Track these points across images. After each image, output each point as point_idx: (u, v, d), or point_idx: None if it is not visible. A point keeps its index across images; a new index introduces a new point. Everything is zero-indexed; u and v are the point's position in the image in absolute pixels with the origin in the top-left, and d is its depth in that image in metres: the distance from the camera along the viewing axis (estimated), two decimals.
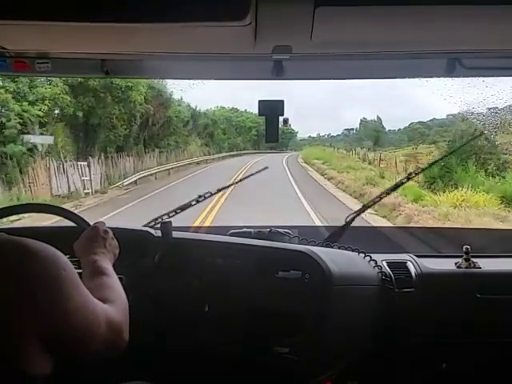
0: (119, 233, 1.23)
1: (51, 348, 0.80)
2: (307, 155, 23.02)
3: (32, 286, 0.77)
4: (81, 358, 0.88)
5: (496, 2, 0.95)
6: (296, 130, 28.09)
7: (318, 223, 7.22)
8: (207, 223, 6.87)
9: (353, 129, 27.04)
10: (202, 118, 22.90)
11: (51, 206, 1.56)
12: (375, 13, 0.98)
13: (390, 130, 25.25)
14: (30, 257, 0.79)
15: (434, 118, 22.60)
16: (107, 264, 1.06)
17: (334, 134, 28.28)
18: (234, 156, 25.18)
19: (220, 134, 25.13)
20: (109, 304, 0.91)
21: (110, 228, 1.23)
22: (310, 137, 29.33)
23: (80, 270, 1.01)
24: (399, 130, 24.84)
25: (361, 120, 25.60)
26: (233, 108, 27.98)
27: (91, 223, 1.37)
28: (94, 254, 1.07)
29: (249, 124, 27.61)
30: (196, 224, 6.12)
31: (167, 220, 1.55)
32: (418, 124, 22.87)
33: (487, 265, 1.67)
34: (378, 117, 24.99)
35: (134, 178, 13.74)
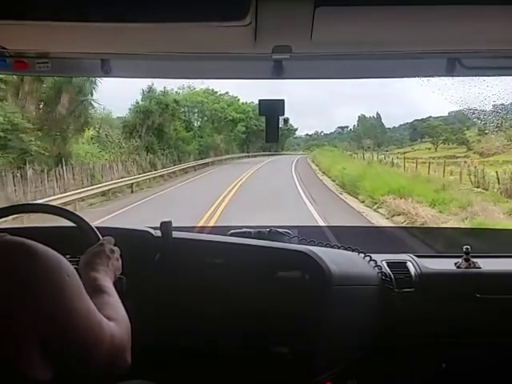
0: (119, 233, 1.23)
1: (53, 355, 0.79)
2: (345, 177, 11.39)
3: (34, 287, 0.76)
4: (82, 370, 0.86)
5: (496, 2, 0.95)
6: (295, 127, 22.23)
7: None
8: None
9: (347, 126, 25.27)
10: (148, 101, 13.90)
11: (51, 206, 1.56)
12: (375, 13, 0.98)
13: (388, 128, 23.33)
14: (33, 258, 0.78)
15: (430, 116, 20.84)
16: (108, 282, 1.04)
17: (328, 132, 26.12)
18: (202, 167, 15.30)
19: (180, 131, 14.93)
20: (112, 322, 0.89)
21: (110, 228, 1.23)
22: (306, 135, 26.06)
23: None
24: (394, 127, 23.18)
25: (359, 117, 23.85)
26: (206, 90, 17.44)
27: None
28: (95, 270, 1.05)
29: (232, 115, 18.13)
30: None
31: (167, 220, 1.55)
32: (436, 120, 19.79)
33: (487, 265, 1.67)
34: (377, 113, 23.37)
35: None
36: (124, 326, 0.92)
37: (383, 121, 23.46)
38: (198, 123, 17.42)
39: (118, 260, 1.16)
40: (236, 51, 1.28)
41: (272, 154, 20.92)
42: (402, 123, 23.16)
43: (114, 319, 0.90)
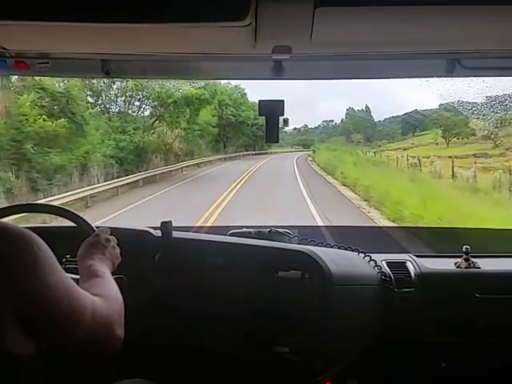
0: (119, 233, 1.23)
1: (32, 328, 0.80)
2: None
3: (5, 262, 0.77)
4: (67, 345, 0.86)
5: (496, 2, 0.95)
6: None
7: None
8: None
9: (332, 120, 23.90)
10: None
11: (51, 206, 1.56)
12: (375, 13, 0.98)
13: (378, 121, 21.50)
14: (1, 235, 0.79)
15: (416, 109, 18.99)
16: (103, 268, 1.04)
17: (312, 126, 24.11)
18: (104, 199, 7.87)
19: (35, 121, 8.02)
20: (99, 298, 0.89)
21: (110, 228, 1.23)
22: (294, 129, 22.91)
23: (77, 276, 1.01)
24: (380, 121, 21.46)
25: (347, 110, 22.28)
26: None
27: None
28: (91, 259, 1.06)
29: (185, 90, 10.68)
30: None
31: (167, 220, 1.55)
32: (446, 111, 15.46)
33: (487, 265, 1.68)
34: (366, 106, 21.78)
35: None
36: (112, 300, 0.92)
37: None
38: (120, 108, 9.70)
39: (115, 248, 1.16)
40: (236, 51, 1.28)
41: (257, 154, 15.49)
42: (388, 117, 21.84)
43: (100, 295, 0.90)
